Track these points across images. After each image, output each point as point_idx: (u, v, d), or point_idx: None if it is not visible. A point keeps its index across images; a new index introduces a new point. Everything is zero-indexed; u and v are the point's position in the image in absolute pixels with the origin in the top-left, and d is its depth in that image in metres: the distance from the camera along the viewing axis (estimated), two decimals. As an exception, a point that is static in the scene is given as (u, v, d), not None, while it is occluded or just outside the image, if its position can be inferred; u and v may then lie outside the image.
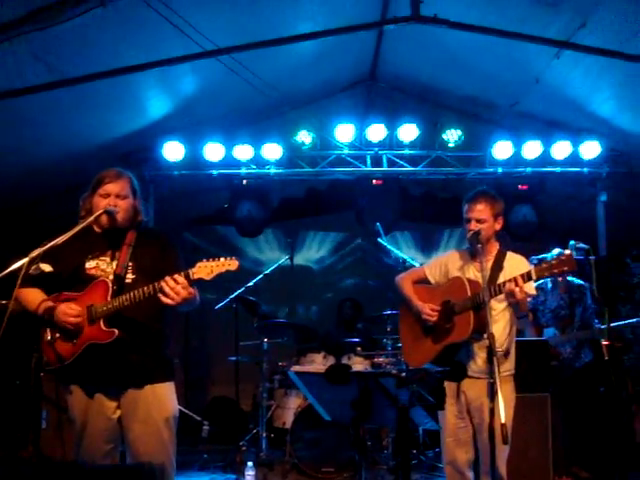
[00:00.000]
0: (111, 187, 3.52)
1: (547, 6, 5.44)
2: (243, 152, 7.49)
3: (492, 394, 3.20)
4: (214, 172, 7.64)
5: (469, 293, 3.95)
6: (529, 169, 7.75)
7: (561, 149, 7.54)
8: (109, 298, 3.41)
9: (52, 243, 3.30)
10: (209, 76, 6.34)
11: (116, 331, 3.38)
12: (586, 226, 7.92)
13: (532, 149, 7.54)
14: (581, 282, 6.26)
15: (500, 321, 4.03)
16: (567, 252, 3.67)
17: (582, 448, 6.29)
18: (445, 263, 4.30)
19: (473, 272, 4.12)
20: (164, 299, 3.30)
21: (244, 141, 7.49)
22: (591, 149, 7.47)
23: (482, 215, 4.03)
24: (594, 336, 5.97)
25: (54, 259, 3.48)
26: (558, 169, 7.76)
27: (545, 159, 7.66)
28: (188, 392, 9.09)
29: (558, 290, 6.29)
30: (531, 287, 3.96)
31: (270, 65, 6.37)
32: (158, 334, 3.62)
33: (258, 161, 7.63)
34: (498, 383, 3.15)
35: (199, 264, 3.33)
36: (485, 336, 3.60)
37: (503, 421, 3.04)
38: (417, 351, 4.23)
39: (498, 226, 4.13)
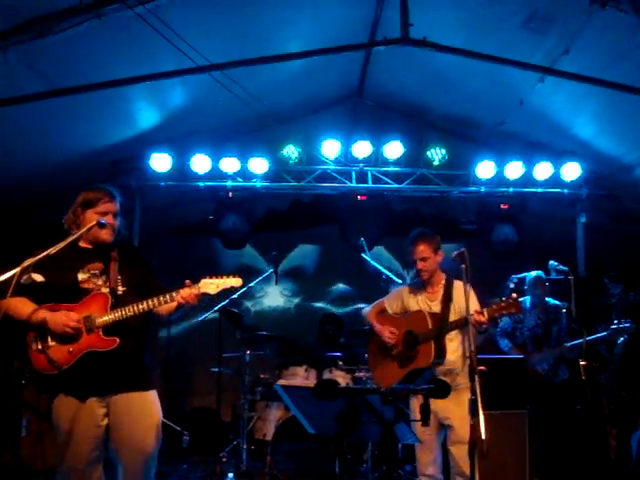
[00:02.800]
0: (108, 206, 3.73)
1: (533, 32, 5.58)
2: (230, 165, 7.56)
3: (473, 410, 3.29)
4: (200, 184, 7.71)
5: (430, 325, 4.51)
6: (511, 189, 7.91)
7: (542, 170, 7.69)
8: (108, 310, 3.61)
9: (45, 253, 3.41)
10: (198, 89, 6.41)
11: (117, 339, 3.58)
12: (565, 246, 8.06)
13: (514, 169, 7.69)
14: (558, 303, 6.39)
15: (454, 341, 4.60)
16: (514, 296, 4.22)
17: (558, 464, 6.39)
18: (402, 296, 4.88)
19: (425, 302, 4.72)
20: (166, 306, 3.69)
21: (231, 154, 7.56)
22: (571, 171, 7.63)
23: (424, 254, 4.64)
24: (565, 354, 6.11)
25: (45, 270, 3.58)
26: (539, 189, 7.92)
27: (527, 179, 7.82)
28: (168, 402, 9.04)
29: (536, 310, 6.42)
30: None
31: (259, 80, 6.44)
32: (144, 343, 3.82)
33: (244, 174, 7.71)
34: (480, 400, 3.26)
35: (204, 280, 3.67)
36: (444, 361, 4.47)
37: (483, 437, 3.15)
38: (385, 374, 4.77)
39: (439, 258, 4.70)
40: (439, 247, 4.71)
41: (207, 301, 4.06)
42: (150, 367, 3.91)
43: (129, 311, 3.59)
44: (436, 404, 4.29)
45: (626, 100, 5.63)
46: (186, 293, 3.63)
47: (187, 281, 3.69)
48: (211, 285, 3.67)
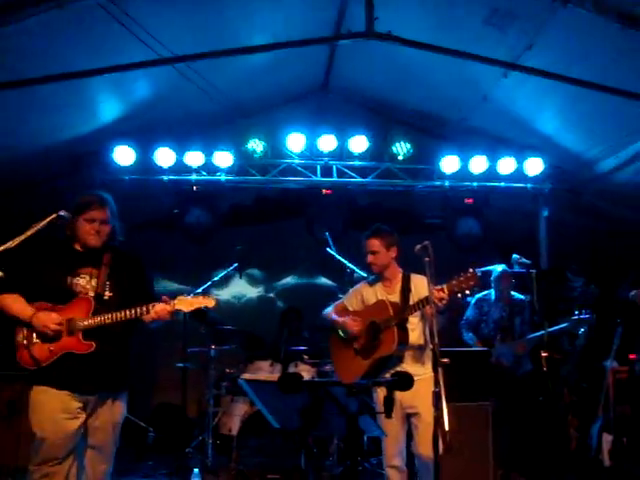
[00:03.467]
0: (96, 214, 3.88)
1: (496, 28, 5.63)
2: (194, 158, 7.50)
3: (437, 402, 3.32)
4: (164, 177, 7.63)
5: (392, 313, 4.56)
6: (475, 183, 7.98)
7: (506, 165, 7.78)
8: (90, 314, 3.78)
9: (3, 247, 3.47)
10: (162, 82, 6.34)
11: (94, 344, 3.76)
12: (528, 240, 8.16)
13: (478, 164, 7.76)
14: (522, 297, 6.48)
15: (415, 330, 4.64)
16: (471, 270, 4.22)
17: (521, 455, 6.49)
18: (360, 292, 4.94)
19: (384, 295, 4.76)
20: (146, 316, 3.82)
21: (195, 148, 7.50)
22: (534, 166, 7.73)
23: (374, 248, 4.73)
24: (527, 345, 6.20)
25: (35, 271, 3.81)
26: (503, 184, 8.01)
27: (491, 174, 7.90)
28: (133, 398, 8.94)
29: (501, 302, 6.50)
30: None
31: (223, 73, 6.42)
32: (127, 346, 4.02)
33: (209, 168, 7.65)
34: (443, 392, 3.30)
35: (180, 297, 3.89)
36: (407, 347, 4.53)
37: (447, 428, 3.18)
38: (349, 369, 4.76)
39: (393, 254, 4.77)
40: (393, 244, 4.75)
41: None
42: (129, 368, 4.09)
43: (107, 319, 3.75)
44: (401, 394, 4.35)
45: (588, 96, 5.72)
46: (160, 308, 3.80)
47: (164, 297, 3.86)
48: (185, 303, 3.89)
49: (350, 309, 4.93)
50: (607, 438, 6.61)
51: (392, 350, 4.49)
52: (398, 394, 4.31)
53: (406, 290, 4.68)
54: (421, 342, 4.64)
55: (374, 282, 4.90)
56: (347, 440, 2.88)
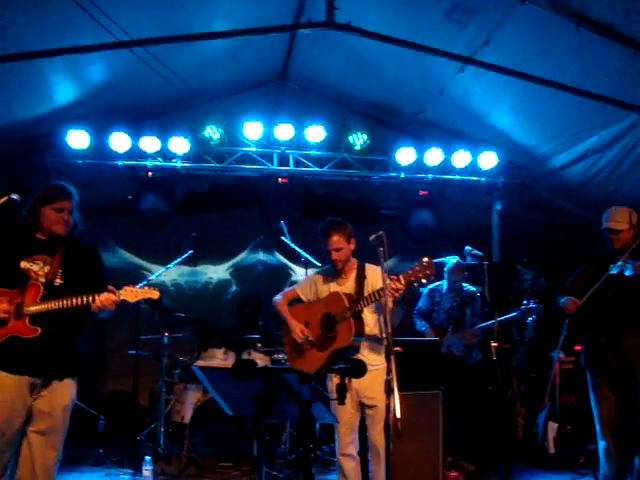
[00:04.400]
0: (65, 204, 3.98)
1: (455, 23, 5.69)
2: (150, 144, 7.41)
3: (389, 390, 3.37)
4: (119, 163, 7.52)
5: (347, 304, 4.55)
6: (430, 176, 8.06)
7: (461, 158, 7.87)
8: (38, 300, 3.83)
9: None
10: (118, 65, 6.24)
11: (39, 329, 3.79)
12: (481, 233, 8.30)
13: (434, 156, 7.84)
14: (473, 288, 6.59)
15: (371, 321, 4.66)
16: (426, 259, 4.22)
17: (470, 443, 6.62)
18: (314, 282, 4.94)
19: (337, 288, 4.76)
20: (93, 305, 3.86)
21: (151, 133, 7.41)
22: (489, 160, 7.84)
23: (339, 245, 4.69)
24: (479, 335, 6.32)
25: None
26: (457, 177, 8.11)
27: (446, 167, 7.99)
28: (84, 385, 8.83)
29: (452, 293, 6.61)
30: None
31: (181, 58, 6.34)
32: (78, 332, 4.06)
33: (165, 154, 7.58)
34: (395, 380, 3.35)
35: (125, 288, 3.95)
36: (363, 338, 4.55)
37: (398, 416, 3.24)
38: (305, 362, 4.73)
39: (352, 246, 4.76)
40: (352, 235, 4.75)
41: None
42: (82, 354, 4.16)
43: (54, 305, 3.80)
44: (358, 384, 4.44)
45: (543, 93, 5.83)
46: (104, 297, 3.85)
47: (110, 287, 3.92)
48: (131, 293, 3.94)
49: (303, 298, 4.93)
50: (553, 426, 6.78)
51: (348, 341, 4.49)
52: (354, 383, 4.43)
53: (361, 280, 4.68)
54: (377, 332, 4.66)
55: (329, 272, 4.89)
56: (300, 427, 2.89)
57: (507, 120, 7.21)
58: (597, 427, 5.01)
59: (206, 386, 3.41)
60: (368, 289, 4.62)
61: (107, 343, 9.14)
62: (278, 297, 5.04)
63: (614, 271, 4.88)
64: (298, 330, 4.76)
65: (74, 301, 3.81)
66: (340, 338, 4.55)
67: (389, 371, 3.47)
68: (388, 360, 3.51)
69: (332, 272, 4.86)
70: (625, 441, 5.05)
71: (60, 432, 3.94)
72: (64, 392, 3.95)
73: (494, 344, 4.75)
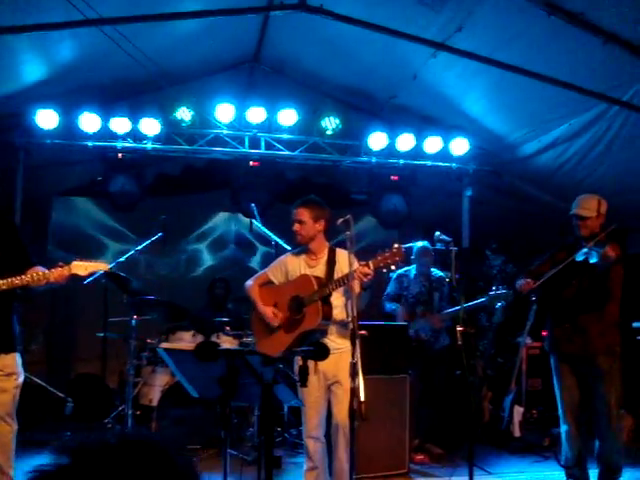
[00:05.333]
0: None
1: (428, 8, 5.68)
2: (120, 125, 7.31)
3: (354, 374, 3.39)
4: (89, 143, 7.42)
5: (315, 287, 4.52)
6: (401, 161, 8.07)
7: (432, 144, 7.89)
8: None
9: None
10: (88, 44, 6.15)
11: None
12: (452, 218, 8.35)
13: (405, 142, 7.84)
14: (441, 273, 6.64)
15: (339, 305, 4.64)
16: (396, 245, 4.23)
17: (437, 426, 6.71)
18: (285, 264, 4.89)
19: (306, 269, 4.74)
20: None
21: (122, 114, 7.30)
22: (460, 146, 7.87)
23: (301, 217, 4.70)
24: (447, 320, 6.38)
25: None
26: (429, 163, 8.13)
27: (417, 152, 8.00)
28: (52, 368, 8.83)
29: (420, 277, 6.65)
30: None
31: (153, 39, 6.27)
32: (9, 309, 4.18)
33: (135, 135, 7.49)
34: (359, 363, 3.37)
35: (75, 263, 4.09)
36: (331, 321, 4.52)
37: (362, 399, 3.26)
38: (271, 343, 4.71)
39: (320, 227, 4.73)
40: (321, 217, 4.72)
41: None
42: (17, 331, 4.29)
43: (14, 282, 3.94)
44: (325, 366, 4.40)
45: (514, 80, 5.86)
46: (58, 273, 4.02)
47: (60, 263, 4.09)
48: (81, 267, 4.10)
49: (275, 281, 4.89)
50: (518, 410, 6.91)
51: (316, 324, 4.49)
52: (321, 366, 4.44)
53: (331, 264, 4.68)
54: (344, 316, 4.65)
55: (299, 254, 4.88)
56: (262, 409, 2.90)
57: (479, 107, 7.24)
58: (560, 411, 5.11)
59: (172, 368, 3.40)
60: (338, 273, 4.60)
61: (76, 326, 9.08)
62: (249, 282, 5.01)
63: (579, 258, 4.94)
64: (270, 313, 4.73)
65: (25, 280, 3.94)
66: (307, 321, 4.54)
67: (354, 354, 3.48)
68: (353, 344, 3.53)
69: (302, 253, 4.85)
70: (586, 425, 5.16)
71: (7, 406, 4.07)
72: (5, 366, 4.10)
73: (460, 329, 4.78)
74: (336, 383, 4.58)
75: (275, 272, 4.94)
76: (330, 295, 4.54)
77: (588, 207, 4.99)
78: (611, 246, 4.71)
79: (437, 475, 5.99)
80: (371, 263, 4.24)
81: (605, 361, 4.88)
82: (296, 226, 4.71)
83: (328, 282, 4.53)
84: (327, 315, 4.51)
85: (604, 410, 4.86)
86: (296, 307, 4.63)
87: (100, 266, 4.22)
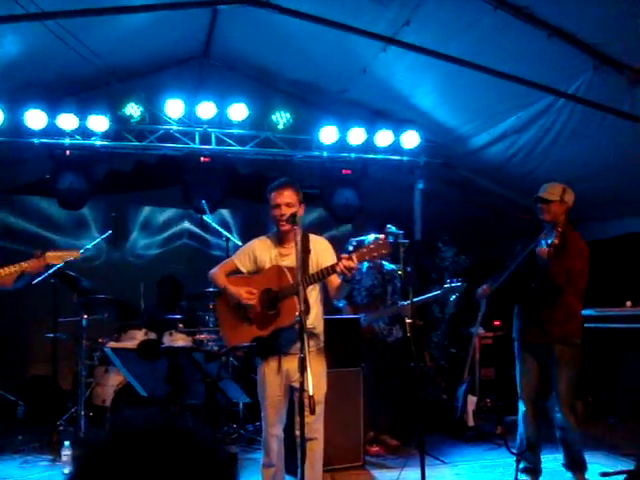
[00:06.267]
0: None
1: (376, 2, 5.69)
2: (67, 122, 7.18)
3: (302, 368, 3.39)
4: (35, 141, 7.27)
5: (290, 280, 4.14)
6: (353, 155, 8.09)
7: (384, 137, 7.93)
8: None
9: None
10: (32, 40, 6.03)
11: None
12: (404, 211, 8.41)
13: (357, 136, 7.87)
14: (393, 266, 6.66)
15: (309, 300, 4.26)
16: (382, 236, 3.96)
17: (392, 417, 6.76)
18: (253, 250, 4.48)
19: (279, 258, 4.36)
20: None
21: (69, 110, 7.18)
22: (411, 139, 7.92)
23: (290, 199, 4.27)
24: (400, 313, 6.41)
25: None
26: (380, 156, 8.17)
27: (369, 146, 8.03)
28: (3, 371, 8.65)
29: (373, 270, 6.67)
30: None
31: (98, 34, 6.15)
32: None
33: (83, 132, 7.36)
34: (308, 358, 3.36)
35: (49, 253, 4.24)
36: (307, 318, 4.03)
37: (311, 393, 3.25)
38: (240, 333, 4.33)
39: (301, 212, 4.36)
40: (302, 201, 4.39)
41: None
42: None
43: None
44: (289, 365, 4.20)
45: (463, 74, 5.91)
46: (33, 263, 4.14)
47: (36, 251, 4.23)
48: (56, 257, 4.25)
49: (242, 269, 4.47)
50: (472, 400, 7.01)
51: (292, 321, 4.05)
52: (285, 365, 4.21)
53: (305, 253, 4.27)
54: (315, 312, 4.35)
55: (269, 240, 4.48)
56: (206, 406, 2.86)
57: (429, 100, 7.30)
58: (518, 392, 5.26)
59: (119, 368, 3.35)
60: (312, 262, 4.28)
61: (26, 327, 8.91)
62: (214, 269, 4.56)
63: (536, 248, 5.03)
64: (244, 293, 4.27)
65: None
66: (283, 317, 4.17)
67: (302, 349, 3.47)
68: (301, 339, 3.51)
69: (274, 240, 4.45)
70: (542, 411, 5.31)
71: None
72: None
73: (408, 320, 4.82)
74: (299, 385, 4.00)
75: (243, 259, 4.50)
76: (306, 289, 4.12)
77: (552, 192, 5.05)
78: (549, 244, 4.82)
79: (392, 467, 6.02)
80: (355, 256, 3.92)
81: (561, 349, 4.99)
82: (283, 209, 4.25)
83: (304, 275, 4.10)
84: (305, 311, 3.97)
85: (558, 397, 5.00)
86: (269, 302, 4.26)
87: (72, 253, 4.37)
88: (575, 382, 5.05)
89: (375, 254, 3.94)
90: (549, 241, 4.91)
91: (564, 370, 4.98)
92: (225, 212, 9.52)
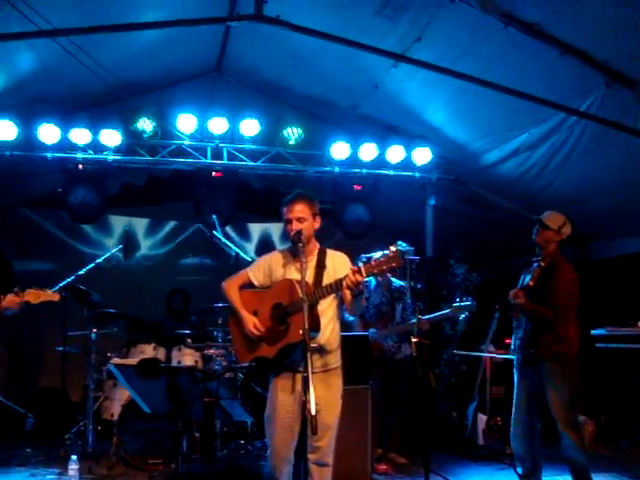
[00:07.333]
0: None
1: (387, 19, 5.70)
2: (80, 136, 7.26)
3: (306, 387, 3.34)
4: (48, 155, 7.34)
5: (301, 294, 3.89)
6: (364, 170, 8.09)
7: (395, 153, 7.92)
8: None
9: None
10: (47, 56, 6.10)
11: None
12: (415, 227, 8.38)
13: (368, 151, 7.87)
14: (402, 283, 6.62)
15: (324, 317, 4.08)
16: (393, 249, 3.76)
17: (401, 435, 6.70)
18: (268, 265, 4.32)
19: (294, 272, 4.14)
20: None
21: (82, 125, 7.25)
22: (423, 155, 7.92)
23: (302, 214, 4.12)
24: (411, 330, 6.37)
25: None
26: (392, 172, 8.16)
27: (380, 162, 8.03)
28: (14, 383, 8.69)
29: (381, 288, 6.64)
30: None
31: (112, 50, 6.23)
32: None
33: (96, 146, 7.43)
34: (311, 377, 3.31)
35: (29, 290, 4.43)
36: (319, 334, 3.96)
37: (313, 413, 3.20)
38: (252, 353, 4.17)
39: (317, 225, 4.22)
40: (318, 213, 4.23)
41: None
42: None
43: None
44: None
45: (474, 91, 5.88)
46: (9, 299, 4.33)
47: (15, 289, 4.38)
48: (33, 295, 4.44)
49: (256, 283, 4.31)
50: (482, 418, 6.94)
51: (301, 337, 3.74)
52: (298, 384, 3.95)
53: (320, 268, 4.13)
54: (330, 330, 4.15)
55: (287, 255, 4.30)
56: (203, 425, 2.85)
57: (441, 116, 7.28)
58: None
59: (122, 383, 3.35)
60: (327, 279, 4.07)
61: (37, 340, 8.94)
62: (227, 282, 4.39)
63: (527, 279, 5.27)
64: (251, 325, 4.14)
65: None
66: (292, 333, 3.97)
67: (305, 367, 3.41)
68: (305, 357, 3.45)
69: (291, 254, 4.25)
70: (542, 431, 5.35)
71: None
72: None
73: (414, 339, 4.79)
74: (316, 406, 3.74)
75: (257, 273, 4.34)
76: (317, 304, 4.00)
77: (553, 219, 5.31)
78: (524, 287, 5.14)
79: (399, 485, 5.97)
80: (364, 268, 3.76)
81: (550, 367, 5.09)
82: (295, 225, 4.10)
83: (315, 289, 4.00)
84: (314, 327, 3.91)
85: (555, 417, 5.09)
86: (279, 317, 4.10)
87: (51, 296, 4.57)
88: (569, 401, 5.09)
89: (385, 267, 3.75)
90: (527, 278, 5.13)
91: (557, 389, 5.06)
92: (235, 227, 9.53)
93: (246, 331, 4.16)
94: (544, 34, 5.30)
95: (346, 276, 3.81)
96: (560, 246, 5.36)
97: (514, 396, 5.36)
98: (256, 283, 4.33)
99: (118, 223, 8.49)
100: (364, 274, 3.76)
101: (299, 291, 3.93)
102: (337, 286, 3.91)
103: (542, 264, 5.10)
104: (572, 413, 5.14)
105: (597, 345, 6.50)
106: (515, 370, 5.38)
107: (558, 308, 5.08)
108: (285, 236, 4.39)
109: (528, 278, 5.23)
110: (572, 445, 5.03)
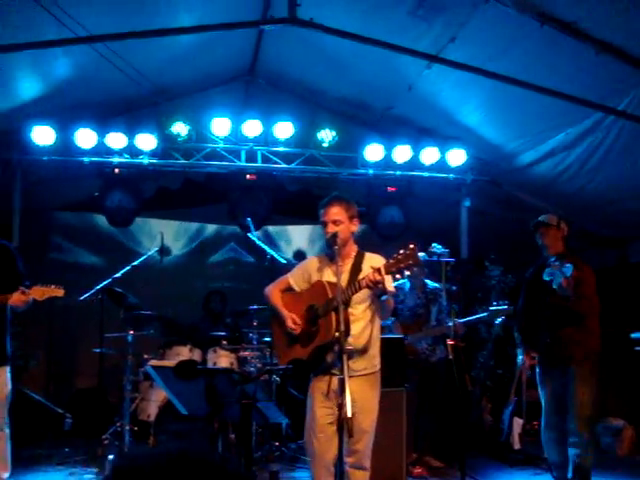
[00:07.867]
0: None
1: (420, 19, 5.67)
2: (116, 140, 7.34)
3: (341, 390, 3.33)
4: (85, 159, 7.44)
5: (330, 295, 4.00)
6: (398, 172, 8.06)
7: (429, 155, 7.87)
8: None
9: None
10: (83, 61, 6.17)
11: None
12: (450, 229, 8.32)
13: (402, 153, 7.83)
14: (436, 285, 6.58)
15: (360, 321, 4.11)
16: (411, 246, 3.77)
17: (436, 439, 6.65)
18: (307, 269, 4.37)
19: (331, 275, 4.16)
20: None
21: (118, 129, 7.34)
22: (457, 156, 7.85)
23: (337, 217, 4.14)
24: (446, 333, 6.33)
25: None
26: (426, 174, 8.12)
27: (414, 163, 7.98)
28: (52, 384, 8.83)
29: (416, 290, 6.60)
30: (389, 280, 3.99)
31: (147, 55, 6.30)
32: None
33: (132, 150, 7.51)
34: (347, 379, 3.30)
35: (35, 287, 4.56)
36: (351, 335, 3.92)
37: (349, 415, 3.19)
38: (289, 355, 4.20)
39: (354, 228, 4.24)
40: (355, 216, 4.23)
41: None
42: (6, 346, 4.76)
43: None
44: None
45: (509, 91, 5.83)
46: (16, 297, 4.48)
47: (21, 288, 4.51)
48: (39, 292, 4.53)
49: (296, 287, 4.38)
50: (518, 422, 6.85)
51: (330, 337, 3.86)
52: (334, 386, 3.92)
53: (356, 271, 4.12)
54: (367, 334, 4.14)
55: (324, 260, 4.33)
56: (240, 427, 2.86)
57: (475, 117, 7.22)
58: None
59: (160, 385, 3.38)
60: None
61: (74, 342, 9.08)
62: (270, 287, 4.47)
63: (547, 278, 5.11)
64: (290, 321, 4.18)
65: None
66: (322, 333, 4.00)
67: (342, 370, 3.40)
68: (340, 359, 3.45)
69: (328, 257, 4.27)
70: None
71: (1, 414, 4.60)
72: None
73: (450, 342, 4.76)
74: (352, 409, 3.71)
75: (297, 278, 4.40)
76: (347, 306, 3.99)
77: (550, 218, 5.54)
78: (569, 276, 4.89)
79: (435, 488, 5.93)
80: (383, 267, 3.77)
81: (581, 366, 5.12)
82: (330, 227, 4.12)
83: (346, 290, 3.99)
84: (344, 327, 3.77)
85: (573, 411, 5.11)
86: (312, 318, 4.13)
87: (56, 291, 4.64)
88: (594, 400, 5.14)
89: (402, 265, 3.73)
90: (565, 271, 4.94)
91: (586, 388, 5.10)
92: (270, 230, 9.57)
93: (286, 328, 4.20)
94: (580, 32, 5.23)
95: (366, 276, 3.85)
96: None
97: (542, 402, 5.38)
98: (297, 288, 4.39)
99: (154, 226, 8.55)
100: (383, 273, 3.77)
101: (329, 293, 4.00)
102: (359, 287, 3.93)
103: (575, 274, 4.92)
104: (593, 412, 5.20)
105: (636, 348, 6.40)
106: (538, 370, 5.45)
107: (590, 298, 5.15)
108: (319, 238, 4.39)
109: (550, 277, 5.12)
110: (585, 443, 5.06)
